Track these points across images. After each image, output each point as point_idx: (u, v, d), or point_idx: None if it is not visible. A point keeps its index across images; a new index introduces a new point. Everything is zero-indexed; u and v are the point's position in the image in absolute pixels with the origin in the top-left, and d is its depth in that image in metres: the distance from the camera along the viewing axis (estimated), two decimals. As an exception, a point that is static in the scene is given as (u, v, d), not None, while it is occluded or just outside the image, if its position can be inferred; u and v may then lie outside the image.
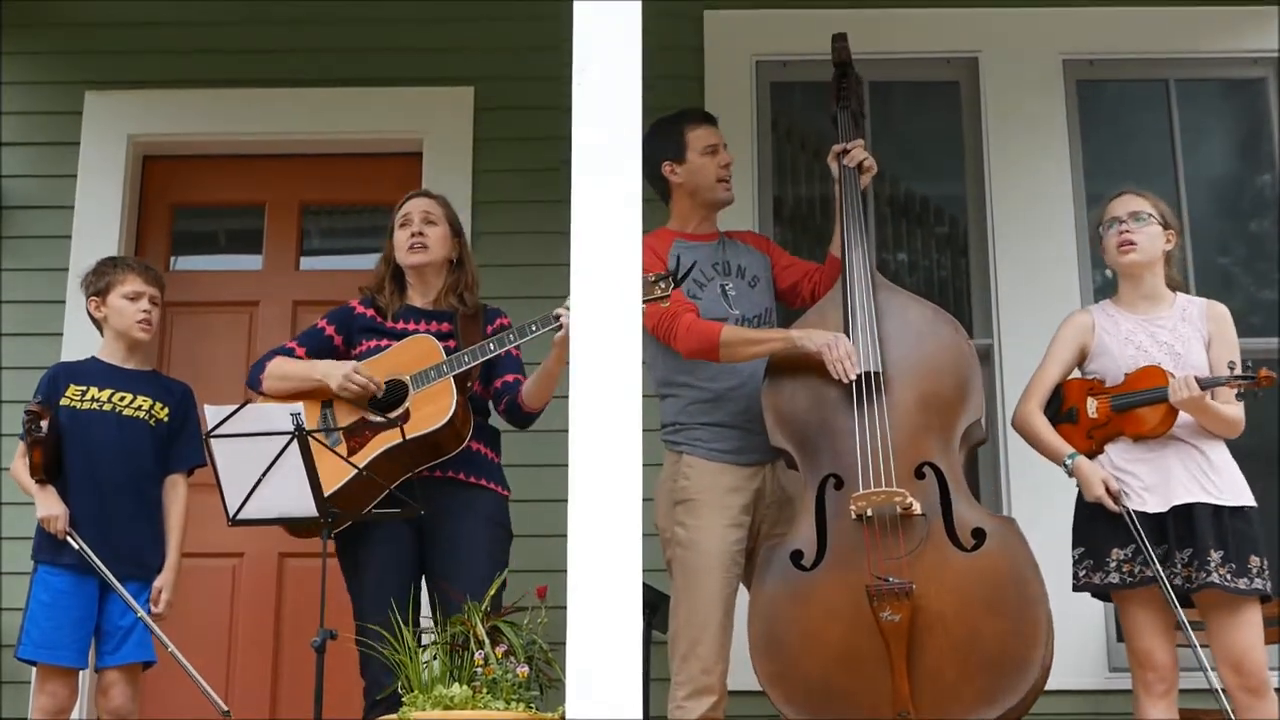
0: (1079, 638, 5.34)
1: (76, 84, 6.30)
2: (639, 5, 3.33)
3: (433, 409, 4.45)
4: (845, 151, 4.84)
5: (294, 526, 4.48)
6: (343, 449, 4.44)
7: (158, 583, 4.90)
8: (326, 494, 4.23)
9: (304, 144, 6.36)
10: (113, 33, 6.36)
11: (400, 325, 4.71)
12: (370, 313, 4.78)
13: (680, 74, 6.16)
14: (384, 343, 4.66)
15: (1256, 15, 6.27)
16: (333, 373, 4.55)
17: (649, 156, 4.56)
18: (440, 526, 4.51)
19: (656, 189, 4.86)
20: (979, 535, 4.30)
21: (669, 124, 4.88)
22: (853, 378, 4.43)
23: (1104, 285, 6.16)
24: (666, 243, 4.76)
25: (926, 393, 4.49)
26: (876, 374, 4.49)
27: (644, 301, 4.07)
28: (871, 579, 4.24)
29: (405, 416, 4.44)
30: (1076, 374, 4.73)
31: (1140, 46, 6.34)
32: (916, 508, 4.32)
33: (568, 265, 3.26)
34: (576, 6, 3.34)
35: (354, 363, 4.57)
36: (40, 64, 6.34)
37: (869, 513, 4.32)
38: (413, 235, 4.75)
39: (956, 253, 6.34)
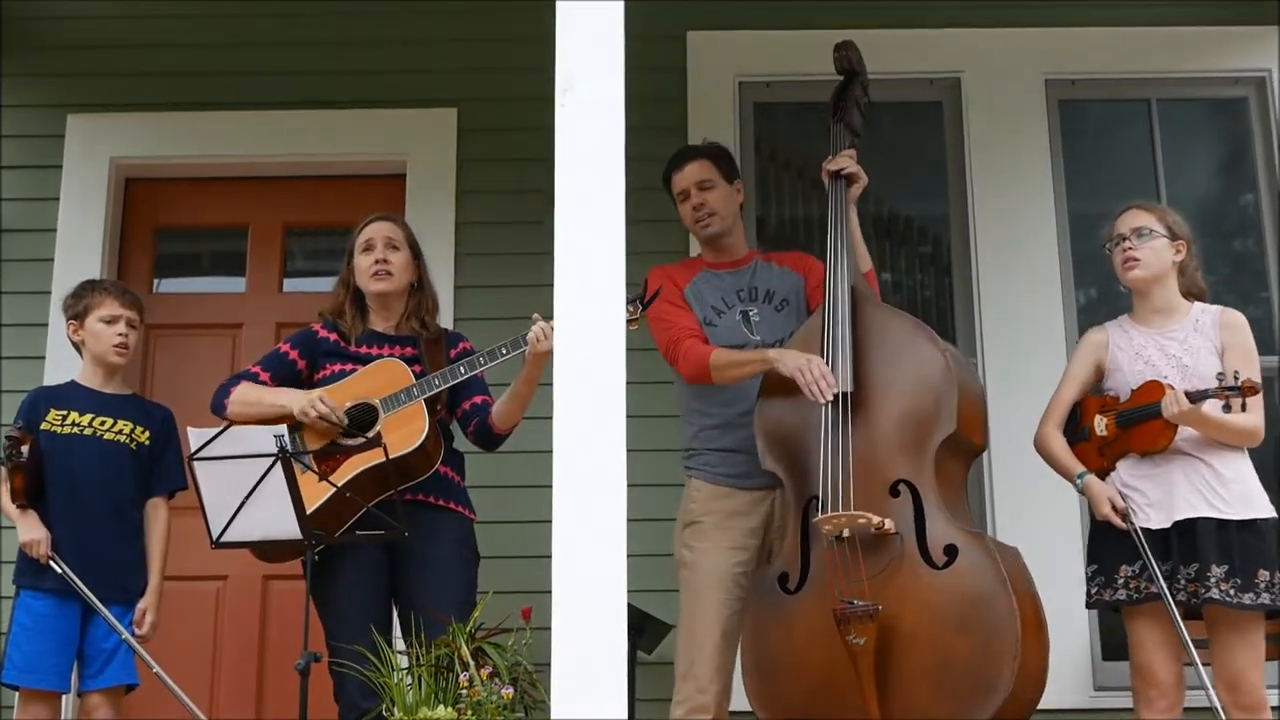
0: (1065, 657, 5.33)
1: (59, 107, 6.29)
2: (621, 26, 3.33)
3: (405, 431, 4.45)
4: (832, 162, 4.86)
5: (263, 551, 4.47)
6: (311, 476, 4.40)
7: (141, 605, 4.88)
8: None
9: (287, 166, 6.35)
10: (95, 56, 6.35)
11: (364, 350, 4.70)
12: (333, 337, 4.75)
13: (664, 95, 6.17)
14: (348, 367, 4.65)
15: (1239, 35, 6.30)
16: (296, 401, 4.52)
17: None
18: (411, 550, 4.49)
19: None
20: (950, 552, 4.27)
21: (664, 174, 5.01)
22: (827, 399, 4.43)
23: (1087, 304, 6.18)
24: (691, 271, 4.91)
25: (901, 409, 4.47)
26: (849, 394, 4.48)
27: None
28: (838, 602, 4.24)
29: (377, 439, 4.43)
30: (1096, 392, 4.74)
31: (1122, 66, 6.36)
32: (890, 526, 4.31)
33: (551, 286, 3.26)
34: (559, 28, 3.34)
35: (319, 392, 4.55)
36: (22, 87, 6.32)
37: (845, 533, 4.31)
38: (376, 261, 4.74)
39: (940, 272, 6.35)
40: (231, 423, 4.51)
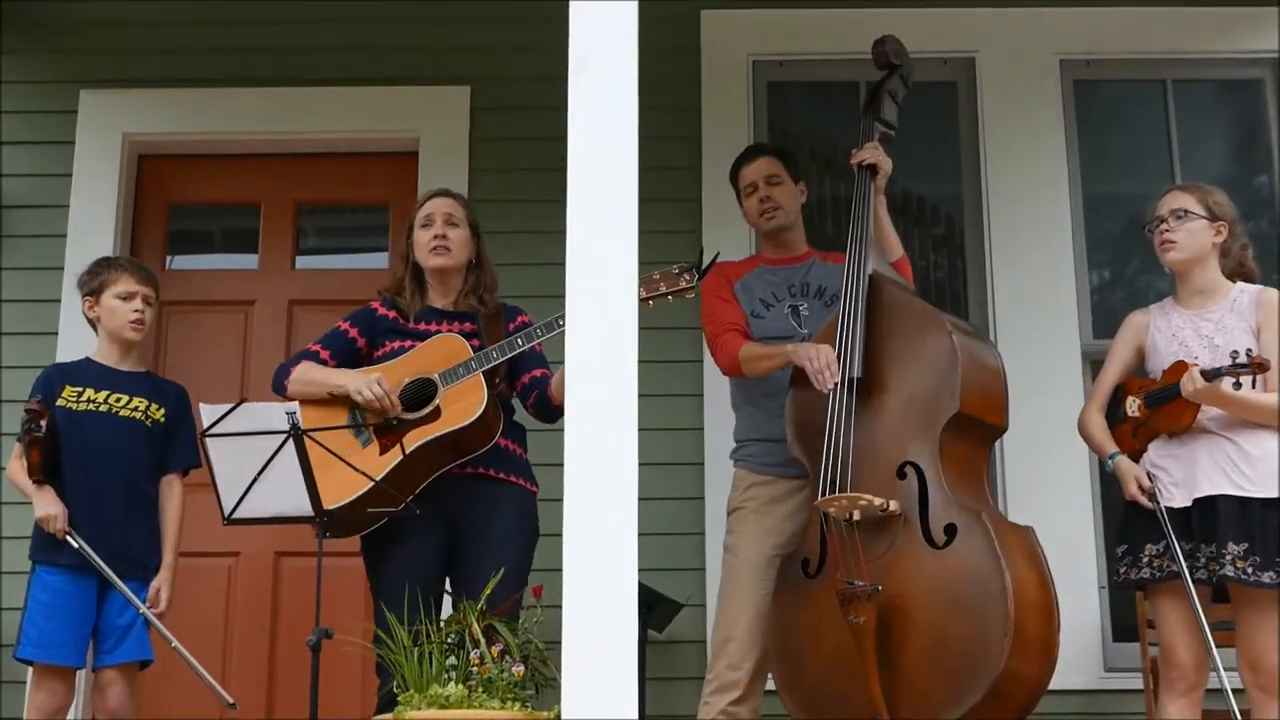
0: (1075, 638, 5.33)
1: (72, 83, 6.28)
2: (635, 5, 3.32)
3: (463, 405, 4.44)
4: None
5: (335, 529, 4.45)
6: (375, 448, 4.43)
7: (155, 582, 4.90)
8: (354, 498, 4.27)
9: (300, 143, 6.35)
10: (108, 32, 6.35)
11: (422, 326, 4.69)
12: (392, 314, 4.75)
13: (677, 74, 6.16)
14: (407, 344, 4.64)
15: (1253, 16, 6.27)
16: (353, 382, 4.52)
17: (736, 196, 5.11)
18: (470, 523, 4.51)
19: None
20: (950, 532, 4.28)
21: (731, 168, 5.13)
22: (828, 387, 4.49)
23: (1101, 285, 6.17)
24: (748, 267, 5.04)
25: (908, 391, 4.50)
26: (854, 380, 4.52)
27: (671, 292, 4.32)
28: (840, 583, 4.26)
29: (436, 413, 4.43)
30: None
31: (1137, 47, 6.34)
32: (895, 507, 4.34)
33: (564, 265, 3.26)
34: (573, 6, 3.33)
35: (376, 373, 4.54)
36: (35, 63, 6.33)
37: (856, 516, 4.34)
38: (435, 237, 4.72)
39: (953, 253, 6.34)
40: (244, 399, 4.53)
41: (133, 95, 6.28)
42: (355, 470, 4.26)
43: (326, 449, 4.23)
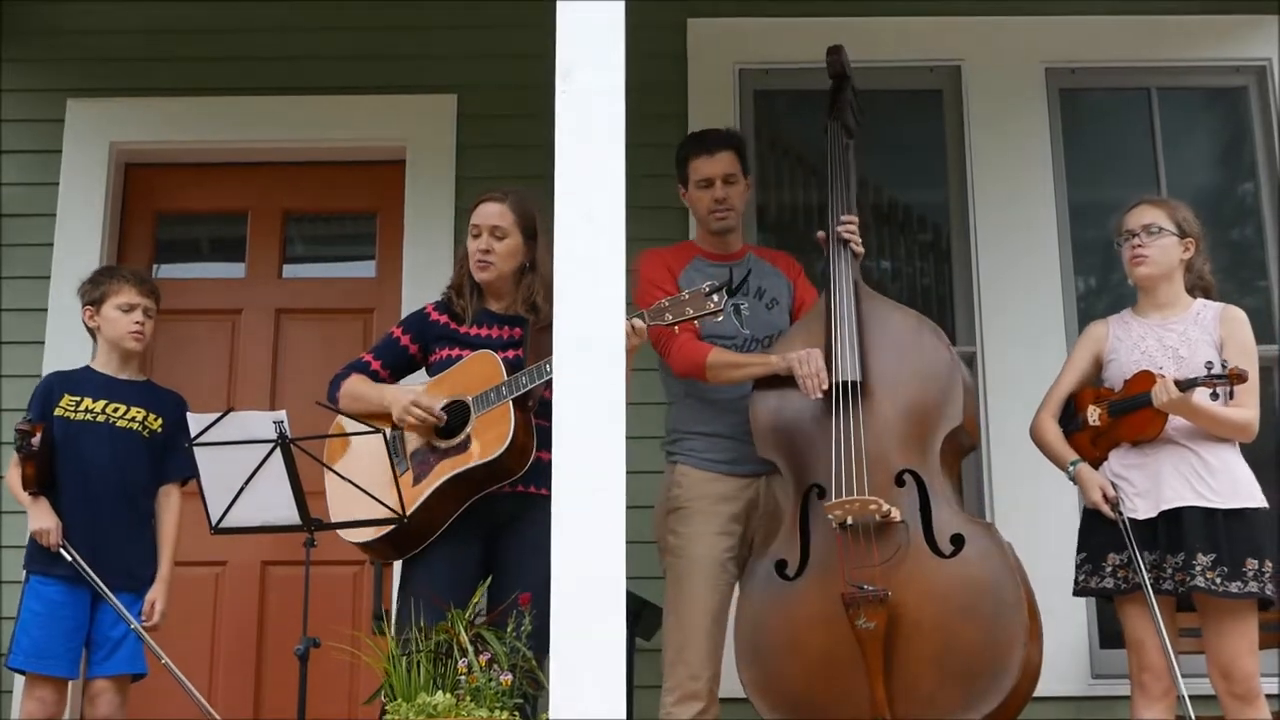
0: (1062, 644, 5.35)
1: (59, 91, 6.28)
2: (622, 13, 3.33)
3: (494, 434, 4.37)
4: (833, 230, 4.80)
5: (377, 551, 4.47)
6: (410, 476, 4.41)
7: (151, 595, 4.89)
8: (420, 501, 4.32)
9: (287, 151, 6.35)
10: (95, 40, 6.34)
11: (474, 332, 4.64)
12: (444, 319, 4.69)
13: (664, 81, 6.17)
14: (455, 351, 4.59)
15: (1238, 24, 6.30)
16: (397, 402, 4.49)
17: (678, 174, 4.97)
18: (510, 540, 4.47)
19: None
20: (957, 541, 4.31)
21: (681, 149, 5.00)
22: (820, 394, 4.45)
23: (1087, 292, 6.18)
24: (685, 258, 4.88)
25: (908, 401, 4.51)
26: (856, 383, 4.50)
27: (699, 316, 4.21)
28: (847, 587, 4.25)
29: (467, 443, 4.40)
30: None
31: (1122, 55, 6.36)
32: (896, 515, 4.34)
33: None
34: (559, 14, 3.34)
35: (417, 391, 4.50)
36: (22, 72, 6.32)
37: (849, 521, 4.33)
38: (480, 252, 4.66)
39: (939, 260, 6.35)
40: (231, 409, 4.51)
41: (120, 104, 6.28)
42: (381, 504, 4.24)
43: (343, 477, 4.25)
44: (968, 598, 4.25)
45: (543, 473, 4.44)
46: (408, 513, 4.26)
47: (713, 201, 4.87)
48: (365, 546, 4.47)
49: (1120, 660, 5.37)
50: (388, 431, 4.41)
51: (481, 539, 4.48)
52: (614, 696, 2.96)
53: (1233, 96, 6.44)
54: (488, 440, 4.38)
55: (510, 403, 4.38)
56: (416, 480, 4.41)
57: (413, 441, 4.51)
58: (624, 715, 2.98)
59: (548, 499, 4.48)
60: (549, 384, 4.53)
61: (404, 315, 5.11)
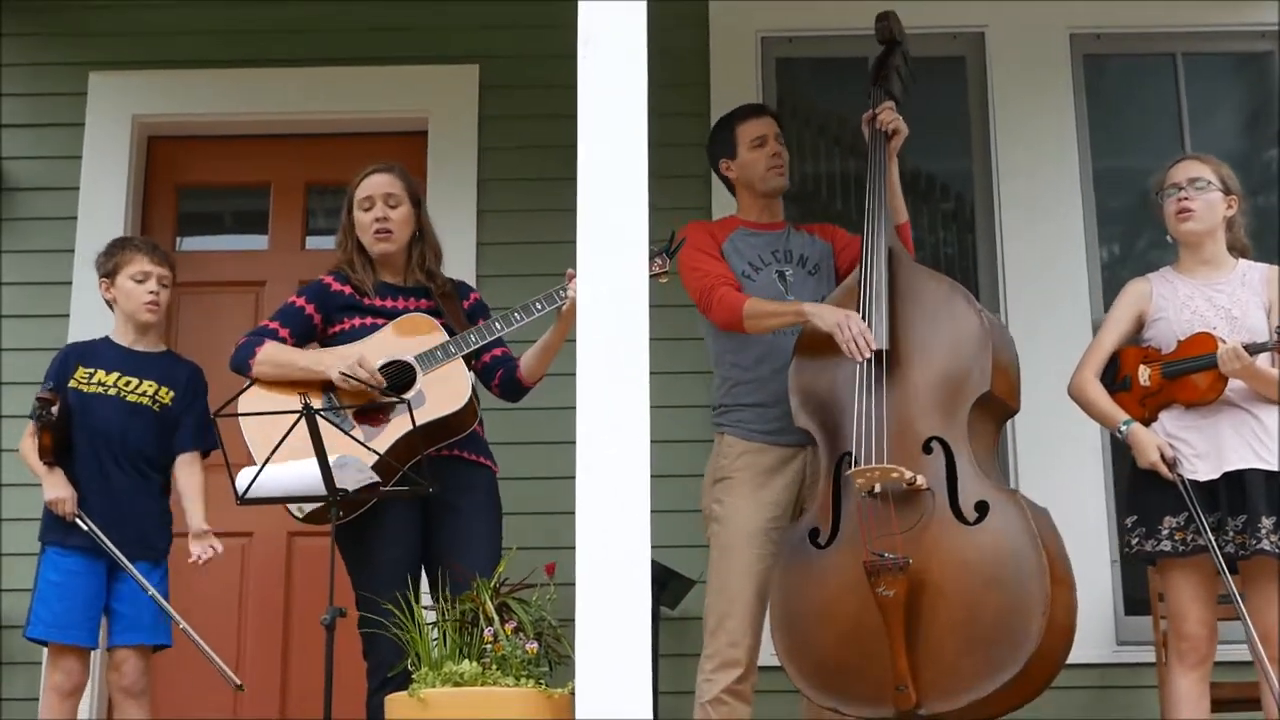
0: (1087, 612, 5.31)
1: (80, 65, 6.29)
2: (643, -19, 3.33)
3: (447, 390, 4.43)
4: (874, 117, 4.84)
5: (307, 516, 4.47)
6: (358, 432, 4.41)
7: (197, 534, 4.91)
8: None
9: (309, 124, 6.35)
10: (116, 13, 6.34)
11: (380, 303, 4.66)
12: (347, 289, 4.69)
13: (686, 50, 6.14)
14: (366, 320, 4.61)
15: (1263, -12, 6.26)
16: (334, 366, 4.47)
17: (711, 159, 5.01)
18: (446, 505, 4.50)
19: (726, 187, 5.04)
20: (981, 509, 4.29)
21: (722, 123, 5.02)
22: (867, 356, 4.43)
23: (1110, 260, 6.16)
24: (729, 229, 4.91)
25: (937, 368, 4.48)
26: (885, 351, 4.48)
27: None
28: (869, 555, 4.26)
29: (420, 398, 4.42)
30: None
31: (1147, 20, 6.31)
32: (921, 482, 4.32)
33: (573, 242, 3.27)
34: (581, -18, 3.33)
35: (358, 353, 4.48)
36: (44, 45, 6.33)
37: (875, 488, 4.33)
38: (377, 220, 4.67)
39: (963, 228, 6.33)
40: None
41: (142, 77, 6.29)
42: (365, 447, 4.27)
43: (335, 425, 4.25)
44: (990, 566, 4.22)
45: (475, 440, 4.62)
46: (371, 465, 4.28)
47: (770, 158, 4.90)
48: (308, 518, 4.45)
49: (1145, 627, 5.37)
50: (331, 396, 4.45)
51: (419, 504, 4.51)
52: (639, 667, 2.98)
53: (1258, 62, 6.39)
54: (442, 394, 4.42)
55: (461, 361, 4.45)
56: (369, 439, 4.40)
57: (350, 398, 4.49)
58: (649, 684, 2.99)
59: (482, 467, 4.58)
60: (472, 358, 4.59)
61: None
